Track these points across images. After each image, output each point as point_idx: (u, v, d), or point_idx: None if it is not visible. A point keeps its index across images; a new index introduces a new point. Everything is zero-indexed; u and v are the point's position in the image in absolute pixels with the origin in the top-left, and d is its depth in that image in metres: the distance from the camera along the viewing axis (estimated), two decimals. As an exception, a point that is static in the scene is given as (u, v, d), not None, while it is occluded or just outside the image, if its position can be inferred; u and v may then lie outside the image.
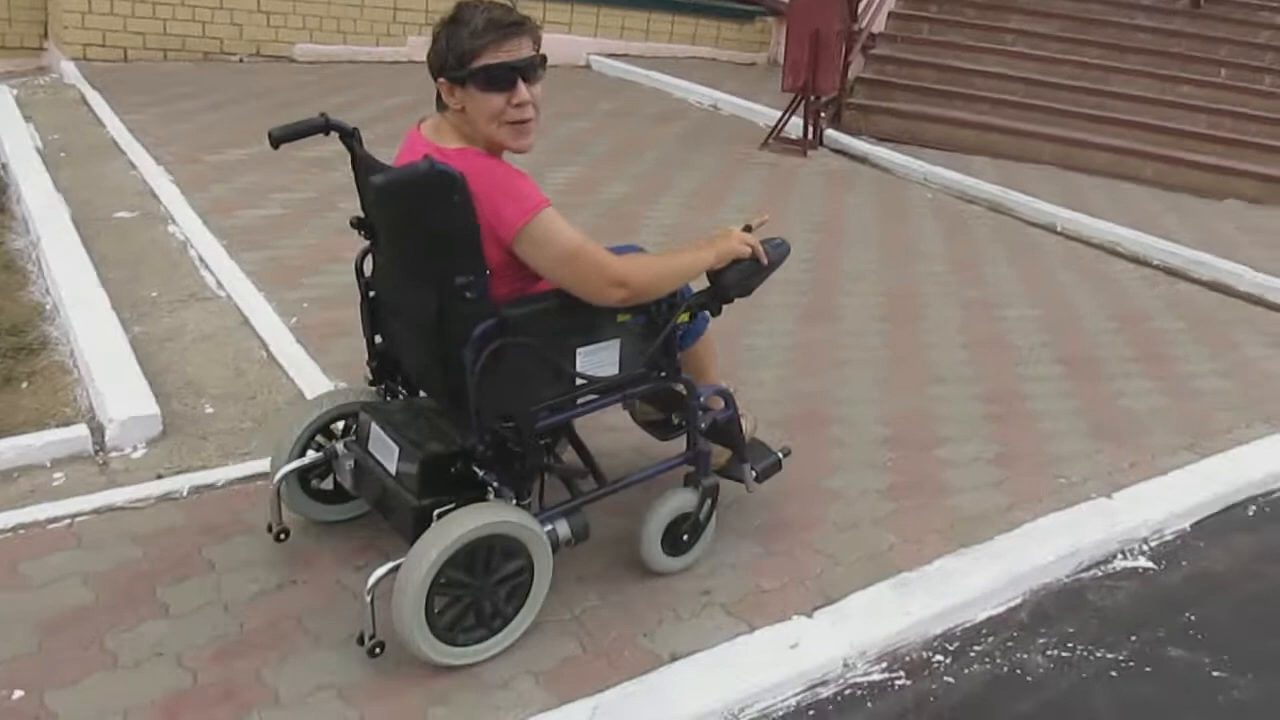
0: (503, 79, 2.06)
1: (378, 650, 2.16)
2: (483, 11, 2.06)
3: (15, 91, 7.18)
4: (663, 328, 2.31)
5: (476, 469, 2.19)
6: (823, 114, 7.99)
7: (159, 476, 2.84)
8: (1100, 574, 2.86)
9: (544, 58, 2.15)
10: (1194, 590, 2.84)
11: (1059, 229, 6.33)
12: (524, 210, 2.06)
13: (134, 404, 3.05)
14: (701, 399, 2.46)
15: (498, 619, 2.22)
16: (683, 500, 2.48)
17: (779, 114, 7.63)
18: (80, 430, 2.96)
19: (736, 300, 2.46)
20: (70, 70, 7.89)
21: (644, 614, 2.43)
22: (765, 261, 2.43)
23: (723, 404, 2.56)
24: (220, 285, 4.12)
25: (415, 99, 8.08)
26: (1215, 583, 2.89)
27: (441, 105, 2.17)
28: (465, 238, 2.03)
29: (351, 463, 2.36)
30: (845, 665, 2.36)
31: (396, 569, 2.09)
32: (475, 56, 2.04)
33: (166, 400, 3.22)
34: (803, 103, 7.44)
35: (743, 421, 2.66)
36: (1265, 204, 7.38)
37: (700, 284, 2.45)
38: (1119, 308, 5.01)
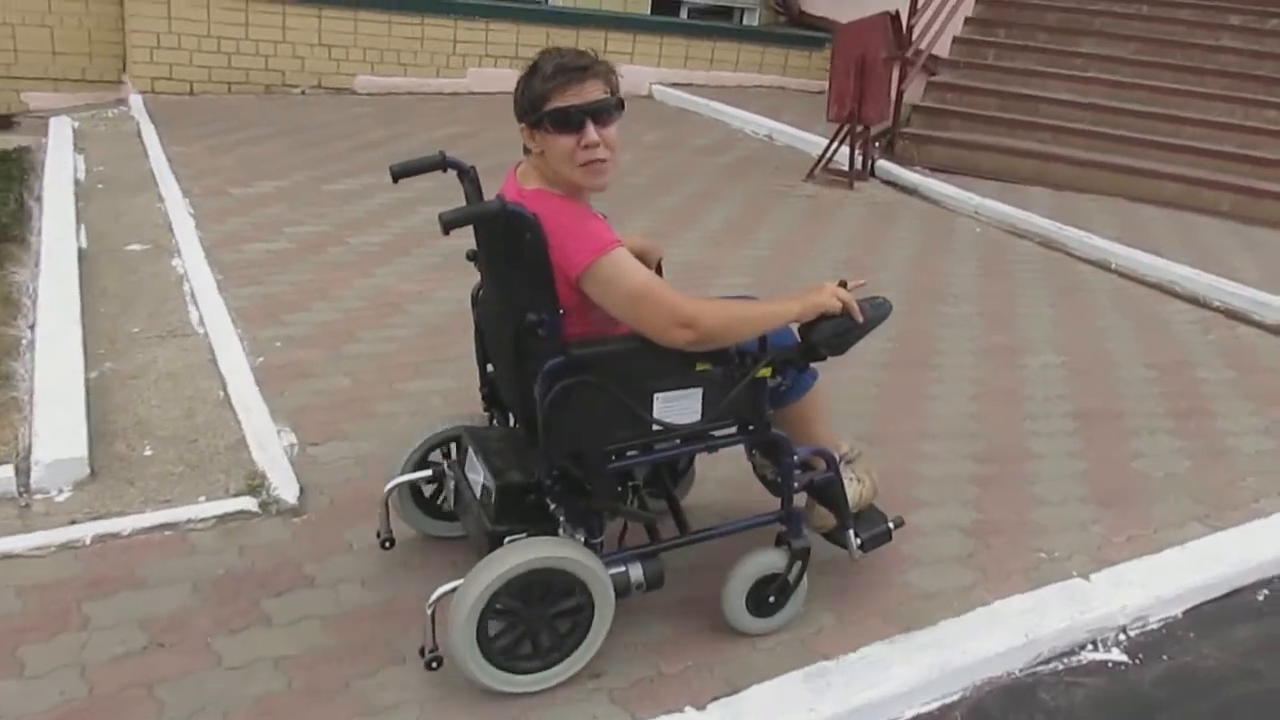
0: (572, 121, 2.11)
1: (435, 664, 2.23)
2: (555, 58, 2.15)
3: (76, 123, 7.42)
4: (741, 379, 2.26)
5: (549, 502, 2.23)
6: (876, 144, 7.71)
7: (73, 522, 2.78)
8: (1061, 668, 2.55)
9: (620, 100, 2.19)
10: (1170, 691, 2.51)
11: (1113, 266, 5.92)
12: (591, 250, 2.10)
13: (63, 446, 3.01)
14: (797, 457, 2.40)
15: (555, 652, 2.23)
16: (770, 560, 2.43)
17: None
18: (6, 471, 2.93)
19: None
20: (136, 103, 8.13)
21: (517, 698, 2.24)
22: (860, 319, 2.32)
23: (824, 465, 2.49)
24: (201, 321, 4.09)
25: (466, 130, 8.11)
26: (1198, 682, 2.56)
27: (525, 151, 2.23)
28: (537, 275, 2.09)
29: (453, 484, 2.46)
30: (731, 768, 2.13)
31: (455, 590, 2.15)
32: (546, 100, 2.11)
33: (110, 441, 3.18)
34: (849, 133, 7.16)
35: (854, 486, 2.57)
36: (1356, 239, 6.80)
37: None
38: (1161, 355, 4.62)
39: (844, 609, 2.62)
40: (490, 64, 9.79)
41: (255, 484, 2.98)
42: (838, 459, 2.53)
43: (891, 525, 2.66)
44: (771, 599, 2.46)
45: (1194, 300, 5.48)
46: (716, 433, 2.37)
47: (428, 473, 2.61)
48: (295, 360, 3.80)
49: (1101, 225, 6.59)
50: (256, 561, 2.65)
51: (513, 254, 2.11)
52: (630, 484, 2.46)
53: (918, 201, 7.15)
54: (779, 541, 2.46)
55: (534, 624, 2.19)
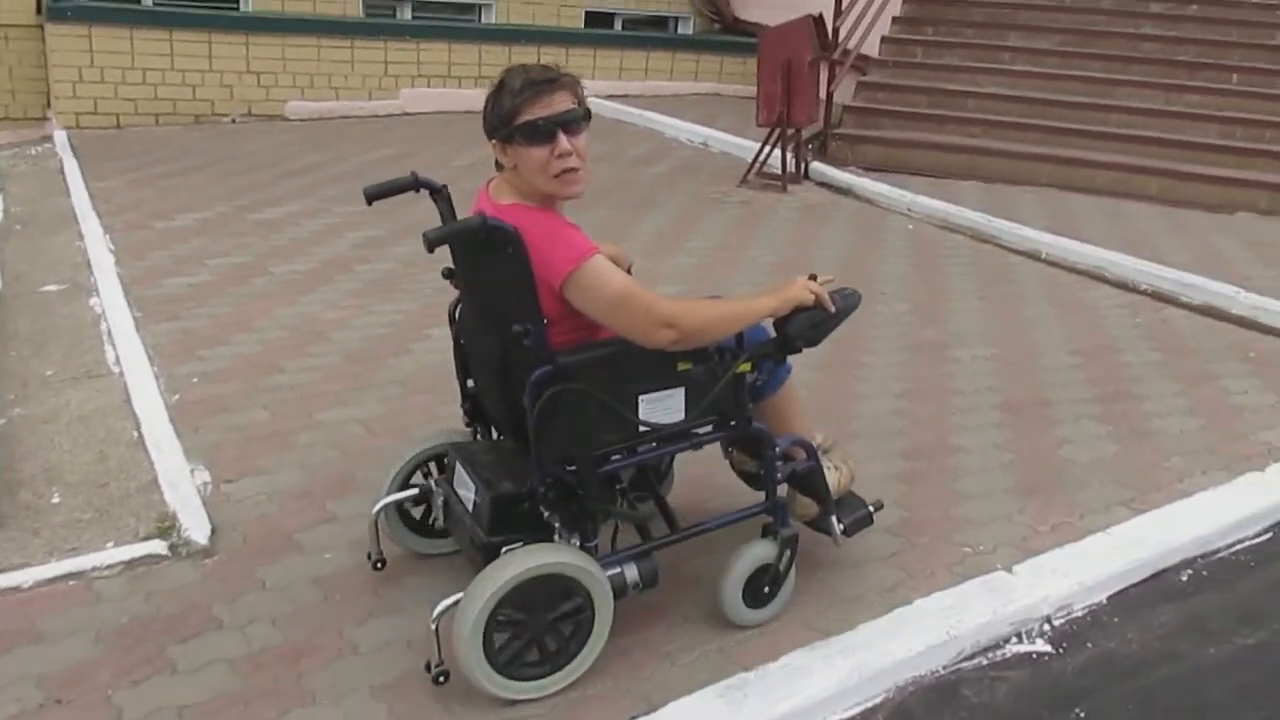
0: (543, 133, 2.17)
1: (442, 679, 2.24)
2: (521, 73, 2.19)
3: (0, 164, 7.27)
4: (722, 376, 2.33)
5: (543, 509, 2.26)
6: (809, 146, 7.74)
7: (-28, 577, 2.69)
8: (985, 663, 2.53)
9: (588, 110, 2.26)
10: (1093, 678, 2.50)
11: (1043, 256, 5.97)
12: (572, 258, 2.14)
13: (-38, 499, 2.91)
14: (778, 449, 2.47)
15: (561, 655, 2.27)
16: (762, 552, 2.49)
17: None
18: (-98, 530, 2.83)
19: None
20: (60, 139, 7.99)
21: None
22: (833, 309, 2.40)
23: (804, 455, 2.56)
24: (117, 361, 4.00)
25: (397, 151, 8.05)
26: (1120, 666, 2.55)
27: (498, 167, 2.29)
28: (521, 288, 2.14)
29: (442, 499, 2.49)
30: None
31: (457, 603, 2.17)
32: (516, 115, 2.17)
33: (15, 490, 3.09)
34: (780, 136, 7.18)
35: (832, 474, 2.65)
36: (1278, 215, 6.90)
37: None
38: (1088, 341, 4.65)
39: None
40: (423, 84, 9.74)
41: (165, 526, 2.90)
42: (816, 447, 2.60)
43: (871, 509, 2.72)
44: (767, 589, 2.52)
45: (1123, 285, 5.53)
46: (699, 430, 2.43)
47: (414, 491, 2.63)
48: (212, 395, 3.73)
49: (1032, 216, 6.65)
50: (163, 607, 2.57)
51: (495, 268, 2.15)
52: (618, 486, 2.49)
53: (851, 202, 7.17)
54: (765, 533, 2.52)
55: (538, 630, 2.22)
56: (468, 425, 2.63)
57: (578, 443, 2.22)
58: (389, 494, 2.62)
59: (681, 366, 2.28)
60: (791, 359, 2.51)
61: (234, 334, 4.28)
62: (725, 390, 2.34)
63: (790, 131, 7.25)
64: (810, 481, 2.58)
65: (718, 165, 8.01)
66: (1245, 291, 5.16)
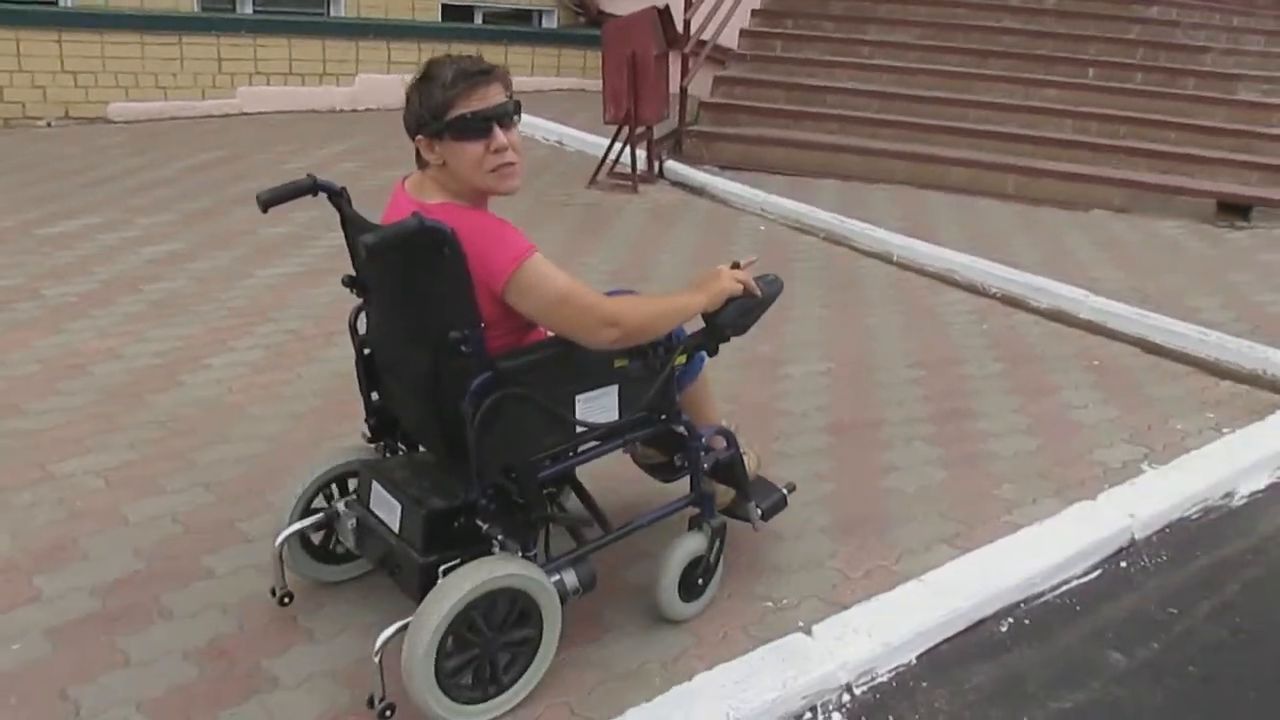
0: (479, 127, 2.07)
1: (389, 713, 2.11)
2: (451, 65, 2.09)
3: None
4: (660, 371, 2.33)
5: (480, 522, 2.17)
6: (662, 144, 7.42)
7: None
8: (771, 747, 2.21)
9: (518, 103, 2.16)
10: (892, 760, 2.20)
11: (894, 259, 5.75)
12: (512, 258, 2.05)
13: None
14: (703, 439, 2.47)
15: (510, 671, 2.18)
16: (694, 544, 2.49)
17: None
18: None
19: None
20: None
21: None
22: (760, 295, 2.42)
23: (724, 443, 2.57)
24: None
25: (225, 154, 7.47)
26: (925, 743, 2.25)
27: (422, 162, 2.17)
28: (458, 292, 2.03)
29: (354, 522, 2.34)
30: None
31: (404, 629, 2.05)
32: (449, 108, 2.06)
33: None
34: (630, 134, 6.84)
35: (745, 459, 2.64)
36: (1132, 212, 6.84)
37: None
38: (930, 353, 4.41)
39: (532, 696, 2.22)
40: (262, 82, 9.13)
41: None
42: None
43: (785, 491, 2.75)
44: (700, 581, 2.51)
45: (972, 288, 5.33)
46: (632, 427, 2.39)
47: (319, 517, 2.46)
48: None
49: (887, 215, 6.44)
50: None
51: (429, 272, 2.02)
52: (548, 492, 2.42)
53: (705, 202, 6.87)
54: (692, 524, 2.51)
55: (489, 649, 2.13)
56: (371, 441, 2.48)
57: (520, 449, 2.16)
58: (291, 521, 2.44)
59: (618, 364, 2.26)
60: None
61: (-36, 367, 3.74)
62: (653, 386, 2.32)
63: (641, 129, 6.91)
64: (731, 469, 2.58)
65: (569, 165, 7.64)
66: (1093, 295, 5.00)
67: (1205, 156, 7.17)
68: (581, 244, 5.70)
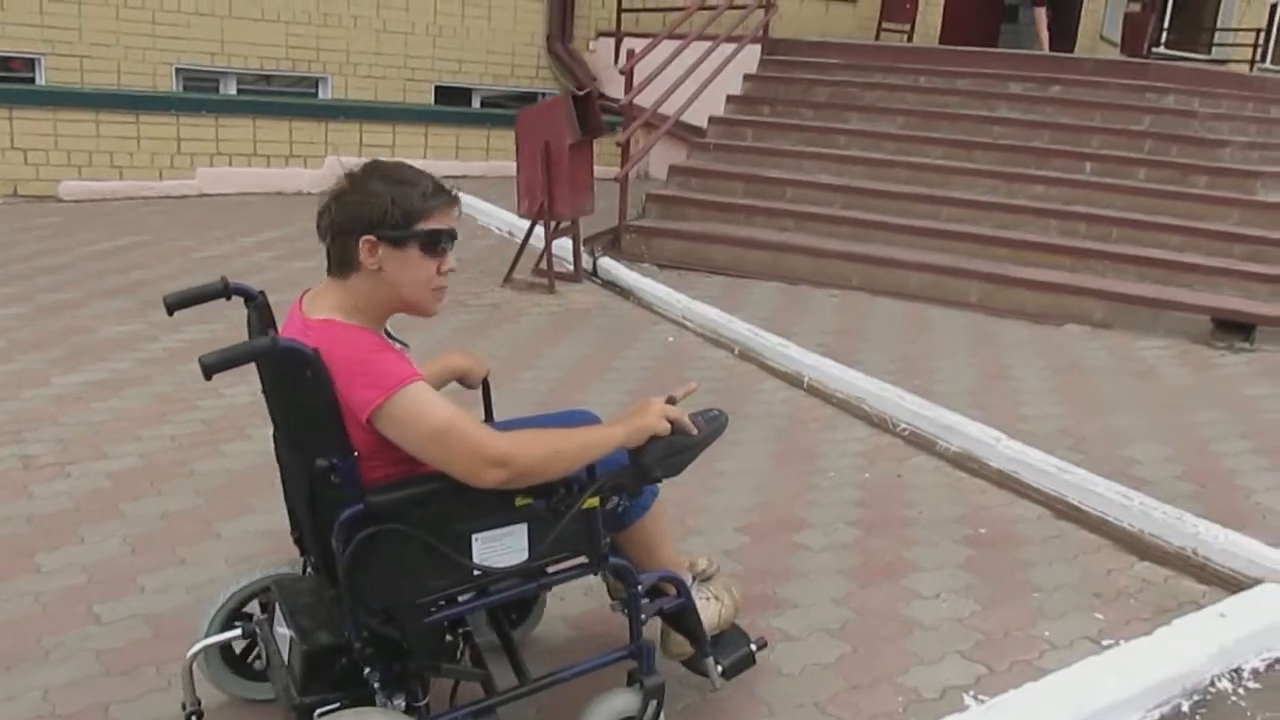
0: (445, 246, 2.02)
1: None
2: (423, 174, 2.03)
3: None
4: (564, 513, 2.07)
5: (364, 665, 1.98)
6: (599, 240, 6.84)
7: None
8: None
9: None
10: None
11: (805, 382, 5.00)
12: (381, 386, 1.88)
13: None
14: (642, 585, 2.25)
15: None
16: (622, 703, 2.22)
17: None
18: None
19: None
20: None
21: None
22: (694, 433, 2.14)
23: (674, 591, 2.35)
24: None
25: (148, 239, 7.13)
26: None
27: (340, 266, 1.99)
28: (324, 417, 1.89)
29: (263, 644, 2.22)
30: None
31: None
32: (424, 218, 1.98)
33: None
34: (548, 229, 6.27)
35: (711, 606, 2.43)
36: (1114, 328, 5.98)
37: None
38: (770, 512, 3.65)
39: None
40: (224, 163, 8.87)
41: None
42: (689, 582, 2.38)
43: (754, 647, 2.50)
44: None
45: (880, 423, 4.56)
46: (551, 569, 2.18)
47: (237, 632, 2.30)
48: None
49: (820, 327, 5.72)
50: None
51: (295, 394, 1.91)
52: (461, 630, 2.22)
53: (627, 306, 6.24)
54: (630, 680, 2.27)
55: None
56: (302, 556, 2.29)
57: (398, 590, 1.96)
58: (209, 634, 2.28)
59: (520, 502, 2.04)
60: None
61: None
62: (572, 525, 2.09)
63: (567, 224, 6.34)
64: (682, 619, 2.37)
65: (503, 258, 7.07)
66: (1008, 439, 4.18)
67: (1208, 265, 6.28)
68: (443, 350, 5.09)
